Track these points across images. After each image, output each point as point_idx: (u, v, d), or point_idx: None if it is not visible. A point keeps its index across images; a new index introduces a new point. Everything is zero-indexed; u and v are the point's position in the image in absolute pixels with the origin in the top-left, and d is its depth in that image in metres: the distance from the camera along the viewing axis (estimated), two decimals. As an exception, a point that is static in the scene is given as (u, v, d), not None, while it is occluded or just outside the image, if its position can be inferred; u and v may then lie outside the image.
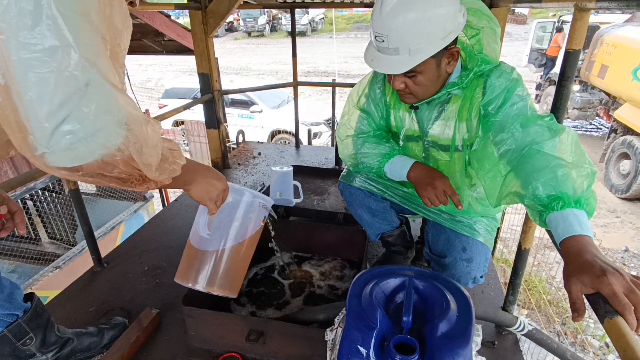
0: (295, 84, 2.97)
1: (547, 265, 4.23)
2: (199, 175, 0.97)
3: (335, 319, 1.11)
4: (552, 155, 0.92)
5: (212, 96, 2.55)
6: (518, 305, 3.75)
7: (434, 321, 0.88)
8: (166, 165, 0.78)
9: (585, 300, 0.73)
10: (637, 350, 0.63)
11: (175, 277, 1.24)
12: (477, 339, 0.99)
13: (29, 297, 1.16)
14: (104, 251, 1.87)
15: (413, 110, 1.26)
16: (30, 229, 4.39)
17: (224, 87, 3.53)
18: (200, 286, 1.19)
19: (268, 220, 1.34)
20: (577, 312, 0.72)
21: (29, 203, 4.28)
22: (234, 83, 7.92)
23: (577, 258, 0.75)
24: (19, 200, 3.98)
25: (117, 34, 0.69)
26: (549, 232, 0.88)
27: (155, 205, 5.16)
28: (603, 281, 0.69)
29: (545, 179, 0.88)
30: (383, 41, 1.03)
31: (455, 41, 1.07)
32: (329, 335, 1.07)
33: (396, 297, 1.00)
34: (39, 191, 3.99)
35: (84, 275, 1.73)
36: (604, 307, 0.70)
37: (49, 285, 3.71)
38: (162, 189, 5.55)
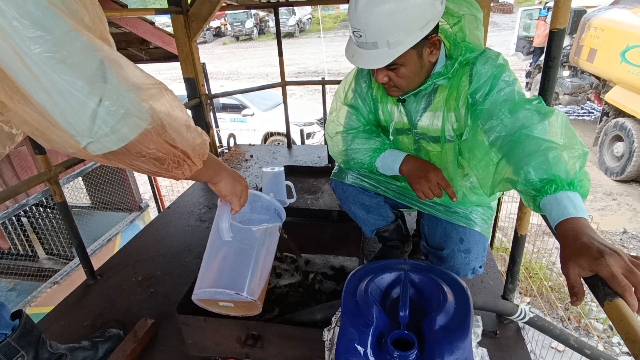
0: (283, 84, 2.95)
1: (546, 252, 4.22)
2: (224, 170, 0.96)
3: (333, 318, 1.08)
4: (543, 139, 0.90)
5: (199, 101, 2.52)
6: (520, 293, 3.74)
7: (431, 314, 0.86)
8: (195, 135, 0.77)
9: (585, 284, 0.72)
10: (639, 332, 0.61)
11: (193, 295, 1.10)
12: (477, 330, 0.98)
13: (18, 314, 1.13)
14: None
15: (400, 103, 1.24)
16: (27, 246, 4.35)
17: (215, 92, 3.51)
18: (246, 293, 1.05)
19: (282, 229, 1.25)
20: (575, 295, 0.71)
21: (24, 220, 4.23)
22: (225, 88, 7.89)
23: (573, 241, 0.73)
24: (14, 218, 3.93)
25: (103, 26, 0.67)
26: (544, 217, 0.87)
27: (152, 215, 5.12)
28: (601, 263, 0.67)
29: (536, 162, 0.86)
30: (361, 36, 1.01)
31: (436, 29, 1.05)
32: (327, 335, 1.05)
33: (392, 292, 0.98)
34: (33, 207, 3.95)
35: (77, 290, 1.69)
36: (603, 289, 0.68)
37: (47, 301, 3.67)
38: (160, 199, 5.52)
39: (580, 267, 0.70)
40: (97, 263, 1.90)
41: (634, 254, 0.70)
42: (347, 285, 0.98)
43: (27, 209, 3.91)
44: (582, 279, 0.71)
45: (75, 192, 5.09)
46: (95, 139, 0.59)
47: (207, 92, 2.59)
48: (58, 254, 4.43)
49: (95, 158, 0.64)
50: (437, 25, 1.06)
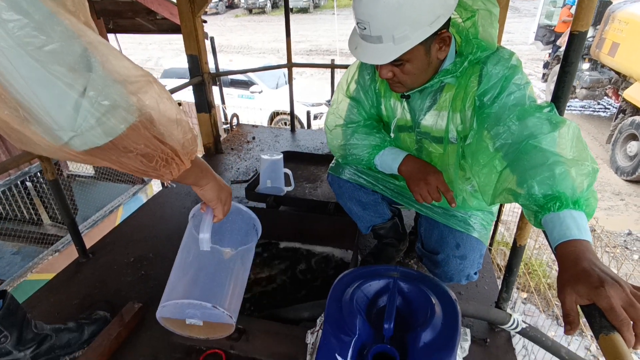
0: (289, 66, 2.85)
1: (548, 248, 4.18)
2: (211, 174, 0.90)
3: (318, 320, 1.06)
4: (551, 151, 0.84)
5: (201, 79, 2.45)
6: (517, 288, 3.73)
7: (417, 329, 0.82)
8: (185, 130, 0.72)
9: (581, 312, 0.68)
10: (634, 374, 0.57)
11: (158, 311, 0.98)
12: (464, 345, 0.95)
13: (2, 295, 1.12)
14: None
15: (404, 99, 1.17)
16: (32, 211, 4.40)
17: (223, 66, 3.41)
18: (225, 308, 0.96)
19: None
20: (570, 325, 0.66)
21: (29, 185, 4.26)
22: (234, 62, 7.74)
23: (573, 265, 0.69)
24: (19, 183, 3.96)
25: (86, 11, 0.61)
26: (544, 232, 0.82)
27: (155, 189, 5.13)
28: (600, 293, 0.62)
29: (541, 177, 0.81)
30: (365, 28, 0.94)
31: (446, 24, 0.98)
32: (310, 337, 1.03)
33: (379, 301, 0.95)
34: (38, 174, 3.97)
35: (69, 267, 1.69)
36: (600, 321, 0.64)
37: (49, 268, 3.73)
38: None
39: (578, 295, 0.66)
40: (99, 234, 1.90)
41: (636, 257, 0.65)
42: (333, 291, 0.94)
43: (32, 175, 3.93)
44: (578, 307, 0.67)
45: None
46: (78, 133, 0.55)
47: (211, 70, 2.51)
48: (62, 222, 4.48)
49: (76, 157, 0.59)
50: (449, 20, 0.98)
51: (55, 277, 1.63)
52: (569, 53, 0.93)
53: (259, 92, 7.07)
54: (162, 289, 1.52)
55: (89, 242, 1.81)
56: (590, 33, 6.79)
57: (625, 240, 4.58)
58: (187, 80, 2.37)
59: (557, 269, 0.72)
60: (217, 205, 0.93)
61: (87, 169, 5.20)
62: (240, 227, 1.13)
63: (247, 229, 1.13)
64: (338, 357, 0.81)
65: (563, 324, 0.68)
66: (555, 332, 3.20)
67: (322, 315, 1.04)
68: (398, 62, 1.00)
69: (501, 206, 2.36)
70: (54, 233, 4.38)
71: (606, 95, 7.25)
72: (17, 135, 0.56)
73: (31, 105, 0.51)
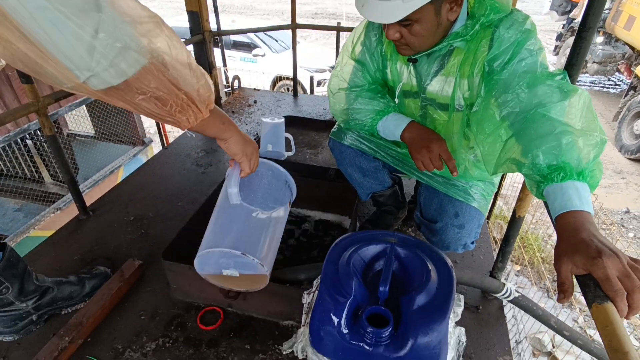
0: (293, 27, 2.75)
1: (544, 224, 4.21)
2: (234, 127, 0.92)
3: (314, 282, 1.08)
4: (559, 121, 0.81)
5: (202, 37, 2.37)
6: (512, 261, 3.79)
7: (411, 293, 0.83)
8: (198, 75, 0.72)
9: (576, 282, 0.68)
10: (623, 342, 0.58)
11: (197, 258, 1.03)
12: (457, 310, 0.96)
13: (1, 247, 1.13)
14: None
15: (411, 63, 1.13)
16: (33, 169, 4.41)
17: (226, 27, 3.27)
18: (259, 259, 0.98)
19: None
20: (563, 293, 0.67)
21: (29, 142, 4.24)
22: (236, 23, 7.49)
23: (572, 236, 0.68)
24: (19, 140, 3.94)
25: None
26: (545, 204, 0.81)
27: (155, 151, 5.11)
28: (597, 263, 0.62)
29: (547, 146, 0.79)
30: None
31: None
32: (306, 298, 1.04)
33: (376, 265, 0.95)
34: (38, 132, 3.94)
35: (69, 224, 1.70)
36: (594, 291, 0.64)
37: (50, 225, 3.79)
38: (164, 134, 5.47)
39: (574, 265, 0.66)
40: (100, 194, 1.90)
41: (632, 235, 0.65)
42: (330, 253, 0.95)
43: (32, 132, 3.90)
44: (573, 277, 0.67)
45: (80, 120, 5.05)
46: (95, 73, 0.57)
47: (210, 29, 2.42)
48: (63, 180, 4.49)
49: (96, 94, 0.61)
50: None
51: (56, 233, 1.64)
52: (588, 17, 0.89)
53: (262, 56, 6.88)
54: (161, 247, 1.54)
55: (89, 202, 1.81)
56: (607, 4, 6.53)
57: (622, 218, 4.61)
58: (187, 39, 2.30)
59: (554, 242, 0.72)
60: (243, 159, 0.95)
61: (87, 129, 5.16)
62: (271, 183, 1.15)
63: (279, 185, 1.15)
64: (333, 317, 0.83)
65: (557, 293, 0.69)
66: (545, 304, 3.28)
67: (319, 277, 1.06)
68: (406, 22, 0.95)
69: (502, 178, 2.35)
70: (56, 192, 4.41)
71: (618, 71, 7.07)
72: (43, 70, 0.58)
73: (47, 46, 0.53)
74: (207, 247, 1.00)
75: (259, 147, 2.00)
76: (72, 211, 3.50)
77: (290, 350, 1.05)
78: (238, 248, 0.97)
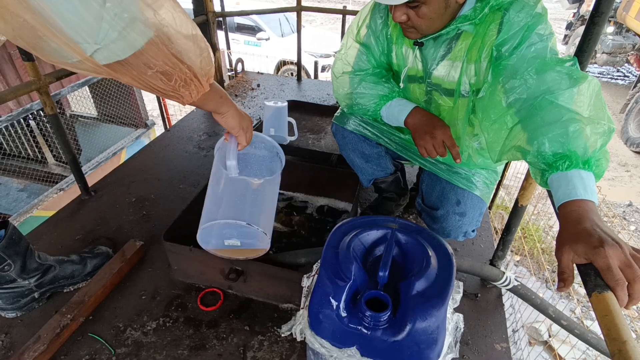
0: (298, 9, 2.70)
1: (546, 215, 4.21)
2: (231, 102, 0.94)
3: (314, 266, 1.08)
4: (567, 108, 0.80)
5: (205, 18, 2.33)
6: (512, 251, 3.80)
7: (411, 278, 0.83)
8: (201, 46, 0.73)
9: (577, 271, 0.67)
10: (622, 331, 0.57)
11: (198, 236, 1.05)
12: (456, 297, 0.96)
13: (3, 225, 1.14)
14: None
15: (417, 46, 1.11)
16: (36, 150, 4.41)
17: (229, 9, 3.22)
18: (259, 225, 1.02)
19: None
20: (563, 282, 0.67)
21: (32, 123, 4.24)
22: (241, 5, 7.38)
23: (574, 225, 0.68)
24: (21, 120, 3.93)
25: None
26: (549, 192, 0.80)
27: (158, 133, 5.10)
28: (599, 252, 0.62)
29: (554, 134, 0.77)
30: None
31: None
32: (306, 281, 1.05)
33: (376, 250, 0.95)
34: (41, 112, 3.92)
35: (71, 203, 1.71)
36: (595, 280, 0.64)
37: (53, 206, 3.82)
38: (167, 117, 5.45)
39: (576, 254, 0.65)
40: (102, 175, 1.91)
41: (633, 228, 0.65)
42: (331, 237, 0.95)
43: (35, 112, 3.89)
44: (574, 266, 0.67)
45: (83, 101, 5.03)
46: (102, 46, 0.56)
47: (214, 9, 2.38)
48: (66, 161, 4.51)
49: (101, 70, 0.60)
50: None
51: (58, 213, 1.65)
52: (600, 2, 0.86)
53: (266, 40, 6.80)
54: (162, 229, 1.55)
55: (92, 183, 1.82)
56: (620, -7, 6.38)
57: (624, 211, 4.60)
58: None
59: (555, 233, 0.71)
60: (240, 132, 0.96)
61: (90, 110, 5.14)
62: (264, 155, 1.17)
63: (271, 157, 1.17)
64: (332, 300, 0.83)
65: (557, 282, 0.68)
66: (543, 294, 3.30)
67: (319, 261, 1.06)
68: (414, 4, 0.93)
69: (505, 167, 2.33)
70: (59, 172, 4.43)
71: (627, 62, 6.95)
72: (45, 45, 0.57)
73: (54, 16, 0.52)
74: (210, 220, 1.02)
75: (262, 132, 1.99)
76: (75, 192, 3.52)
77: (288, 333, 1.06)
78: (242, 218, 1.00)
